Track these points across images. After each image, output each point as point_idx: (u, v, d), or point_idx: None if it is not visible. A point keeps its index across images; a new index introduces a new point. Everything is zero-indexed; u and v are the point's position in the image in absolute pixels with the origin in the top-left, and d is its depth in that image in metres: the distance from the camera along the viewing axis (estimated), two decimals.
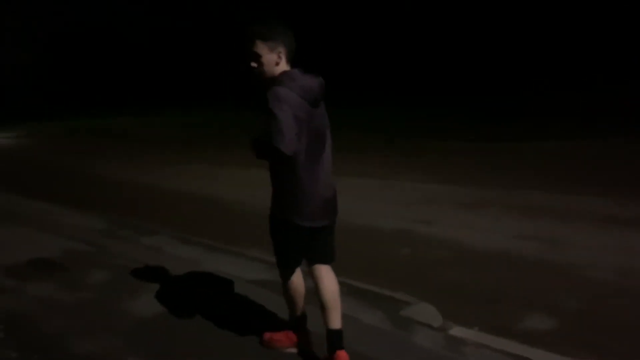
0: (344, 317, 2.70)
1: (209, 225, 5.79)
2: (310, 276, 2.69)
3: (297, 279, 2.74)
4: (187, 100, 30.93)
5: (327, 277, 2.67)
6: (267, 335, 2.97)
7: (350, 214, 5.84)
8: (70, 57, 43.26)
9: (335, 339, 2.60)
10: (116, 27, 40.61)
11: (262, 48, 2.42)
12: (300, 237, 2.57)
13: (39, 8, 43.92)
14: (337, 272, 3.98)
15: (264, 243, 4.38)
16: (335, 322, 2.62)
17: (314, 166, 2.47)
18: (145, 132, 19.27)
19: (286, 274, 2.71)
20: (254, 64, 2.46)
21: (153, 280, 3.99)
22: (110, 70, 41.55)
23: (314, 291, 2.68)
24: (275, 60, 2.45)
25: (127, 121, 25.64)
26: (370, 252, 4.68)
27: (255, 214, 5.87)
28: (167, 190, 7.97)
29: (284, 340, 2.91)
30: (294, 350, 2.89)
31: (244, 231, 5.35)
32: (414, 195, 6.58)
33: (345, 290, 3.66)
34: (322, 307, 2.63)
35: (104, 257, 4.69)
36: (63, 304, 3.66)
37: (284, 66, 2.48)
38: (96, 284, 4.01)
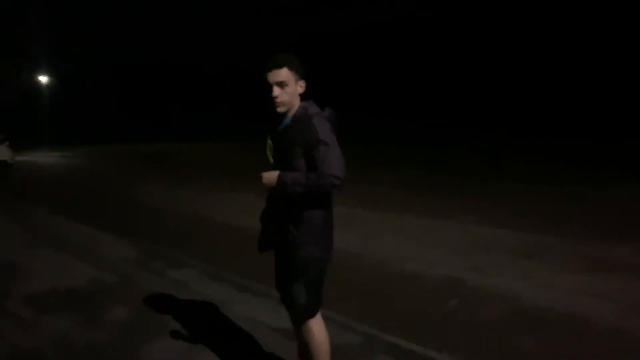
0: None
1: (243, 259, 5.44)
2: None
3: (323, 327, 2.56)
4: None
5: None
6: None
7: (395, 257, 5.42)
8: (137, 86, 45.48)
9: None
10: (193, 60, 42.35)
11: (289, 77, 2.36)
12: (325, 272, 2.54)
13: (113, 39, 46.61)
14: (375, 324, 3.58)
15: None
16: None
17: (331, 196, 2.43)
18: (203, 159, 19.52)
19: (314, 320, 2.51)
20: (278, 93, 2.34)
21: (174, 322, 3.69)
22: (183, 98, 43.27)
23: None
24: (298, 91, 2.41)
25: (188, 148, 26.24)
26: (413, 302, 4.19)
27: None
28: (208, 219, 7.76)
29: None
30: None
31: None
32: (466, 240, 6.03)
33: (382, 347, 3.24)
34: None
35: (129, 290, 4.44)
36: (75, 345, 3.39)
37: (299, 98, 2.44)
38: (114, 323, 3.73)
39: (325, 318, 3.60)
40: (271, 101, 2.36)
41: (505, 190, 9.46)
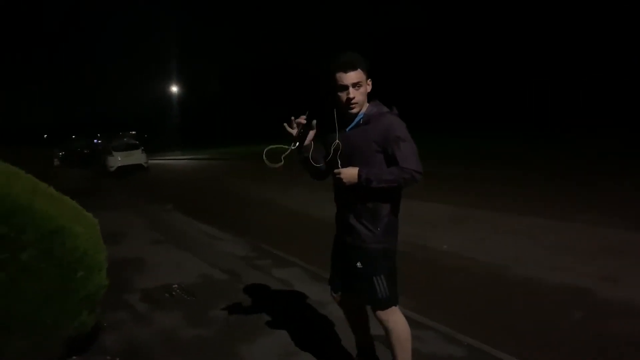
0: None
1: None
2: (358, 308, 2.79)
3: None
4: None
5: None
6: None
7: (512, 262, 5.00)
8: (257, 90, 48.11)
9: None
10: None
11: (362, 78, 2.37)
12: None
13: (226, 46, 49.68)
14: (484, 337, 3.29)
15: (406, 292, 3.86)
16: None
17: None
18: None
19: (396, 308, 2.52)
20: (355, 94, 2.35)
21: (274, 321, 3.70)
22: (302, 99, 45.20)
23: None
24: (368, 89, 2.43)
25: None
26: (529, 313, 3.80)
27: (410, 258, 5.36)
28: (316, 217, 7.82)
29: None
30: None
31: None
32: (594, 243, 5.38)
33: None
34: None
35: (235, 288, 4.57)
36: (182, 339, 3.53)
37: None
38: (219, 319, 3.83)
39: (427, 327, 3.42)
40: (347, 102, 2.36)
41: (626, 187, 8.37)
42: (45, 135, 65.82)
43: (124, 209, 9.94)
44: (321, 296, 4.21)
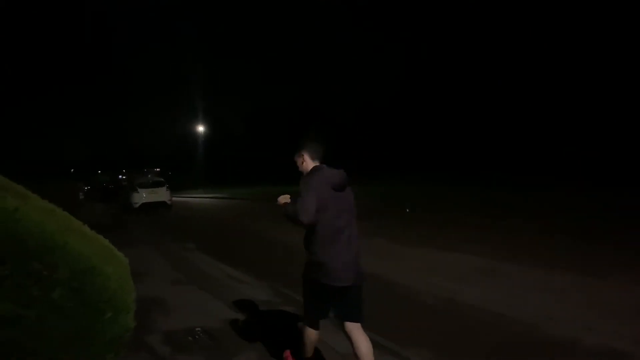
0: None
1: (376, 312, 5.24)
2: (343, 333, 3.31)
3: (316, 332, 3.40)
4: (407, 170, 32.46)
5: (358, 333, 3.27)
6: None
7: (542, 319, 4.80)
8: (275, 130, 48.86)
9: None
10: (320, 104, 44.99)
11: (296, 156, 3.48)
12: (326, 294, 3.19)
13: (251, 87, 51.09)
14: None
15: (431, 344, 3.76)
16: None
17: (336, 235, 3.15)
18: None
19: (312, 323, 3.39)
20: (297, 165, 3.49)
21: None
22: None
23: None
24: (301, 160, 3.45)
25: None
26: None
27: (429, 307, 5.21)
28: None
29: None
30: None
31: (406, 324, 4.71)
32: (629, 302, 5.18)
33: None
34: None
35: (259, 334, 4.47)
36: None
37: (311, 164, 3.40)
38: None
39: None
40: None
41: None
42: (72, 170, 67.64)
43: (146, 246, 9.99)
44: (347, 347, 4.10)
